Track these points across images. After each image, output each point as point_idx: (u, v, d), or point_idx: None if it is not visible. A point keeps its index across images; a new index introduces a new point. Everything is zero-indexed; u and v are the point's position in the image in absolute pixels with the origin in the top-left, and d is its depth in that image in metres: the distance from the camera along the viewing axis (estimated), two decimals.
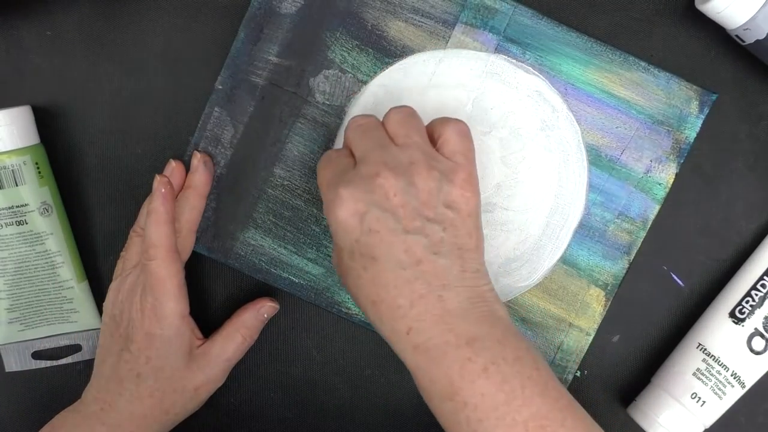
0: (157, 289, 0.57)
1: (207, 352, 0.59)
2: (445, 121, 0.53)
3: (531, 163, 0.60)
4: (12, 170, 0.59)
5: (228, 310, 0.62)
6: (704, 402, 0.60)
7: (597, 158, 0.60)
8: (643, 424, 0.61)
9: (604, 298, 0.61)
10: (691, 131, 0.60)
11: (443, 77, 0.60)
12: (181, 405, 0.59)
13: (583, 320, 0.61)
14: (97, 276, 0.64)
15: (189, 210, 0.60)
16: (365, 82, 0.60)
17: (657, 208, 0.61)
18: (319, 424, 0.65)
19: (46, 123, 0.62)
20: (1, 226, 0.60)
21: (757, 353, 0.60)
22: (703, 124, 0.60)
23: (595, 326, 0.61)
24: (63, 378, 0.65)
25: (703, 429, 0.61)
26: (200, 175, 0.60)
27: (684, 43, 0.61)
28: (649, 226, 0.61)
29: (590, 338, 0.61)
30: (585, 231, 0.61)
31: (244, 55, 0.61)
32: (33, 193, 0.60)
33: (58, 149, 0.63)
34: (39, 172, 0.60)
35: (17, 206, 0.60)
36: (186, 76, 0.62)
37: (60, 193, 0.62)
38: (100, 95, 0.63)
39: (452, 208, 0.51)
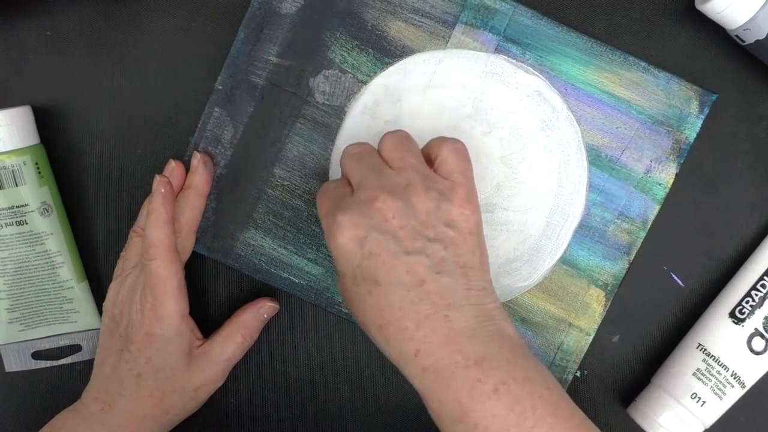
0: (156, 289, 0.57)
1: (207, 352, 0.59)
2: (441, 141, 0.53)
3: (531, 163, 0.60)
4: (12, 170, 0.59)
5: (228, 310, 0.62)
6: (704, 402, 0.60)
7: (597, 158, 0.60)
8: (643, 425, 0.61)
9: (604, 298, 0.61)
10: (691, 131, 0.60)
11: (443, 77, 0.60)
12: (180, 405, 0.59)
13: (583, 320, 0.61)
14: (97, 276, 0.64)
15: (189, 210, 0.60)
16: (365, 82, 0.60)
17: (657, 208, 0.61)
18: (319, 424, 0.65)
19: (46, 123, 0.62)
20: (1, 226, 0.60)
21: (757, 353, 0.60)
22: (703, 125, 0.60)
23: (595, 326, 0.61)
24: (63, 378, 0.65)
25: (703, 429, 0.61)
26: (200, 176, 0.60)
27: (684, 43, 0.61)
28: (649, 226, 0.61)
29: (590, 338, 0.61)
30: (585, 231, 0.61)
31: (244, 55, 0.61)
32: (33, 193, 0.60)
33: (58, 149, 0.63)
34: (39, 172, 0.60)
35: (17, 206, 0.60)
36: (186, 76, 0.62)
37: (60, 193, 0.62)
38: (100, 95, 0.63)
39: (452, 226, 0.51)
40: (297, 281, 0.62)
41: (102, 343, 0.60)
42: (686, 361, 0.61)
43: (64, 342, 0.64)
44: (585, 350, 0.61)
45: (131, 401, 0.58)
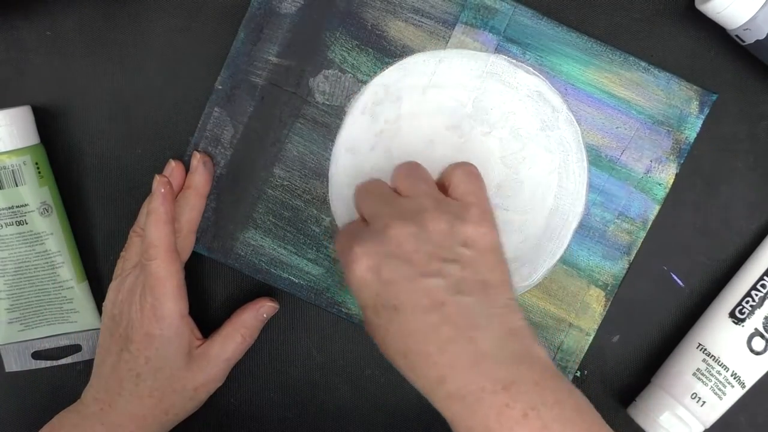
0: (156, 289, 0.57)
1: (206, 352, 0.59)
2: (452, 167, 0.53)
3: (531, 163, 0.60)
4: (12, 170, 0.59)
5: (228, 310, 0.62)
6: (704, 402, 0.60)
7: (597, 158, 0.60)
8: (643, 424, 0.61)
9: (604, 299, 0.61)
10: (691, 131, 0.60)
11: (443, 77, 0.60)
12: (180, 405, 0.59)
13: (583, 320, 0.61)
14: (97, 276, 0.64)
15: (189, 210, 0.60)
16: (365, 82, 0.60)
17: (657, 208, 0.61)
18: (319, 424, 0.65)
19: (46, 123, 0.62)
20: (1, 226, 0.60)
21: (757, 353, 0.60)
22: (703, 125, 0.60)
23: (595, 326, 0.61)
24: (63, 378, 0.65)
25: (703, 429, 0.61)
26: (200, 176, 0.60)
27: (684, 43, 0.61)
28: (649, 227, 0.61)
29: (590, 338, 0.61)
30: (585, 231, 0.61)
31: (244, 55, 0.61)
32: (33, 193, 0.60)
33: (58, 149, 0.63)
34: (39, 172, 0.60)
35: (17, 206, 0.60)
36: (186, 76, 0.62)
37: (60, 193, 0.62)
38: (100, 95, 0.63)
39: (469, 246, 0.50)
40: (297, 281, 0.62)
41: (102, 343, 0.60)
42: (686, 361, 0.61)
43: (64, 342, 0.64)
44: (585, 350, 0.61)
45: (131, 401, 0.58)
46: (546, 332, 0.61)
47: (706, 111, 0.60)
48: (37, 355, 0.64)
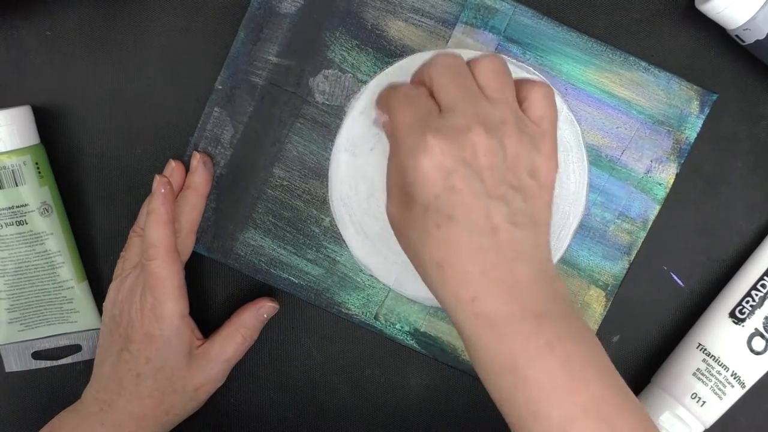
0: (156, 289, 0.57)
1: (207, 352, 0.59)
2: (532, 83, 0.50)
3: None
4: (12, 170, 0.59)
5: (228, 310, 0.62)
6: (704, 402, 0.60)
7: (597, 158, 0.60)
8: None
9: (604, 299, 0.61)
10: (691, 131, 0.60)
11: None
12: (180, 405, 0.59)
13: None
14: (97, 276, 0.64)
15: (189, 210, 0.60)
16: (365, 82, 0.60)
17: (657, 208, 0.61)
18: (319, 424, 0.65)
19: (46, 123, 0.62)
20: (1, 226, 0.60)
21: (757, 353, 0.60)
22: (703, 125, 0.60)
23: (595, 326, 0.61)
24: (63, 378, 0.65)
25: (703, 429, 0.61)
26: (200, 176, 0.60)
27: (684, 43, 0.61)
28: (649, 227, 0.61)
29: None
30: (585, 231, 0.61)
31: (244, 55, 0.61)
32: (33, 193, 0.60)
33: (58, 149, 0.63)
34: (39, 172, 0.60)
35: (17, 206, 0.60)
36: (186, 76, 0.62)
37: (60, 193, 0.62)
38: (100, 95, 0.63)
39: (535, 177, 0.48)
40: (297, 282, 0.62)
41: (102, 343, 0.60)
42: (686, 361, 0.61)
43: (64, 342, 0.64)
44: None
45: (131, 401, 0.58)
46: None
47: (707, 111, 0.60)
48: (37, 355, 0.64)
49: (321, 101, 0.61)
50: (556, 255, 0.61)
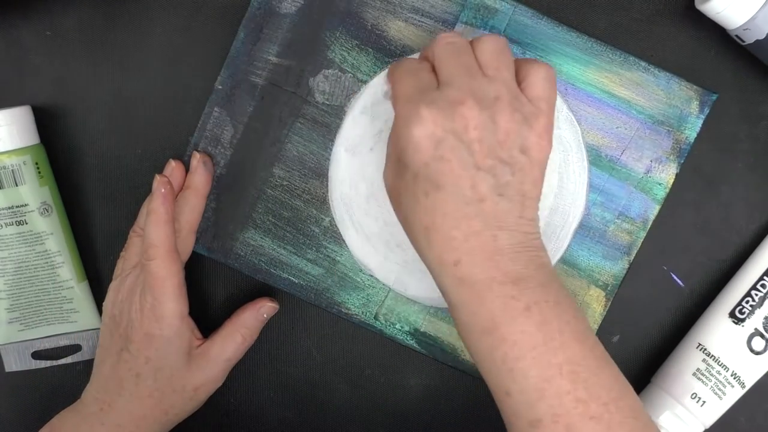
0: (156, 289, 0.57)
1: (206, 352, 0.59)
2: (532, 62, 0.52)
3: None
4: (12, 170, 0.59)
5: (228, 310, 0.62)
6: (704, 402, 0.60)
7: (597, 158, 0.60)
8: None
9: (604, 299, 0.61)
10: (691, 131, 0.60)
11: None
12: (180, 405, 0.59)
13: None
14: (97, 276, 0.64)
15: (189, 210, 0.60)
16: (365, 82, 0.60)
17: (657, 208, 0.61)
18: (319, 424, 0.65)
19: (46, 123, 0.63)
20: (1, 226, 0.60)
21: (757, 353, 0.60)
22: (703, 125, 0.60)
23: (595, 326, 0.61)
24: (63, 378, 0.65)
25: (703, 429, 0.61)
26: (200, 176, 0.60)
27: (684, 43, 0.61)
28: (649, 227, 0.61)
29: None
30: (585, 231, 0.61)
31: (244, 55, 0.61)
32: (33, 193, 0.60)
33: (58, 149, 0.63)
34: (39, 172, 0.60)
35: (17, 206, 0.60)
36: (186, 76, 0.62)
37: (60, 193, 0.62)
38: (100, 95, 0.63)
39: (525, 153, 0.50)
40: (297, 281, 0.62)
41: (102, 343, 0.60)
42: (686, 361, 0.61)
43: (64, 342, 0.64)
44: None
45: (131, 401, 0.58)
46: None
47: (706, 111, 0.60)
48: (37, 355, 0.64)
49: (321, 101, 0.61)
50: (556, 255, 0.61)
